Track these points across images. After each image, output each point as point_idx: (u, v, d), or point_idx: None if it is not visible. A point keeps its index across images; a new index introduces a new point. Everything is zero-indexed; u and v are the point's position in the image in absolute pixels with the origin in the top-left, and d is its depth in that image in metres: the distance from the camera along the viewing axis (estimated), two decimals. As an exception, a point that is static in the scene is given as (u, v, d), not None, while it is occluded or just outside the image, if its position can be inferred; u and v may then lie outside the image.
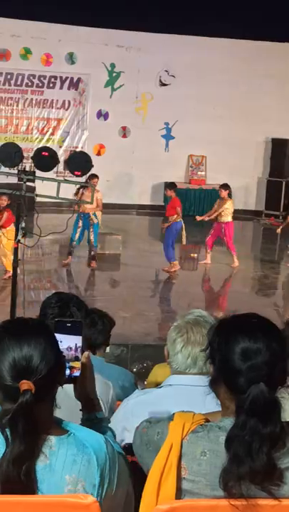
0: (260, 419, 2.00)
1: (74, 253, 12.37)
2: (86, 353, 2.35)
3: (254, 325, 2.15)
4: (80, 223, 12.14)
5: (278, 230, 13.64)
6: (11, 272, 10.94)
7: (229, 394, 2.12)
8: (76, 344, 2.35)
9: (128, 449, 3.03)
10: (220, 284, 12.28)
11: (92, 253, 12.34)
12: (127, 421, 3.06)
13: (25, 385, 2.00)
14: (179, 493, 2.07)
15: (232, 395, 2.10)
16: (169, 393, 2.95)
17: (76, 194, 11.61)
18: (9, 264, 10.99)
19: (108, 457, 2.10)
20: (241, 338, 2.09)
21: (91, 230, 12.21)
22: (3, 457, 1.94)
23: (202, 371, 2.90)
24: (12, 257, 10.89)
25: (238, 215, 18.24)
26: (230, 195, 13.24)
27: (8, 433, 1.98)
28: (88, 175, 10.95)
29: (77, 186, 11.35)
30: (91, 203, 10.22)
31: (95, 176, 11.87)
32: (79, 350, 2.34)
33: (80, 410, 2.40)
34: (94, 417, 2.44)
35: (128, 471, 2.30)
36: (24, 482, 1.95)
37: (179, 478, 2.07)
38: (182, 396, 2.81)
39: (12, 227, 11.12)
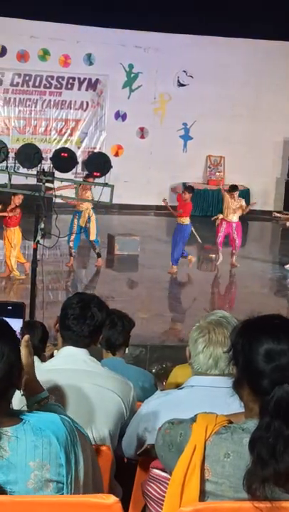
0: (285, 421, 1.99)
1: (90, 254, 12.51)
2: (26, 337, 2.34)
3: (277, 326, 2.14)
4: (76, 222, 12.21)
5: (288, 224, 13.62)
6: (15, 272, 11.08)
7: (253, 395, 2.11)
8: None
9: (150, 450, 3.04)
10: (237, 284, 12.25)
11: (96, 251, 12.42)
12: (148, 422, 3.06)
13: None
14: (202, 495, 2.07)
15: (256, 397, 2.09)
16: (191, 394, 2.94)
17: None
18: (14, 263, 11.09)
19: (67, 433, 2.11)
20: (265, 340, 2.08)
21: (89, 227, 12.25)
22: None
23: (223, 372, 2.89)
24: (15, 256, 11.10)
25: (257, 215, 18.30)
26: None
27: None
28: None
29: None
30: (109, 203, 10.19)
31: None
32: (19, 334, 2.33)
33: (22, 395, 2.38)
34: (39, 399, 2.46)
35: (89, 441, 2.31)
36: None
37: (203, 480, 2.06)
38: (204, 397, 2.80)
39: (18, 228, 11.22)
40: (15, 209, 11.06)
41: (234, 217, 12.81)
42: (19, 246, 11.23)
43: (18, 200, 10.94)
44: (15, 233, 11.15)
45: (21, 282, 10.90)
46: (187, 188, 12.95)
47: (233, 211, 12.79)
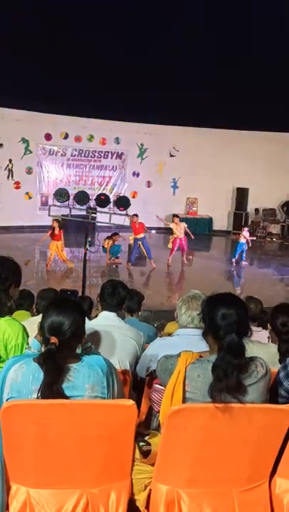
0: (233, 355, 1.99)
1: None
2: None
3: (229, 299, 2.14)
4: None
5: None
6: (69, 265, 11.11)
7: (214, 340, 2.11)
8: None
9: (153, 373, 3.03)
10: (205, 274, 12.20)
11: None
12: (152, 356, 3.06)
13: (53, 339, 2.00)
14: (184, 400, 2.07)
15: (216, 341, 2.09)
16: (178, 340, 2.95)
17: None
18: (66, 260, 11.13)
19: (108, 368, 2.10)
20: (221, 307, 2.08)
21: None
22: (42, 383, 1.95)
23: (197, 326, 2.89)
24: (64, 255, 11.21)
25: (217, 233, 18.25)
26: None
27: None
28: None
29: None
30: (129, 225, 10.15)
31: (116, 234, 12.05)
32: None
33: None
34: (86, 347, 2.49)
35: (117, 372, 2.30)
36: (56, 396, 1.95)
37: (184, 391, 2.07)
38: (185, 341, 2.80)
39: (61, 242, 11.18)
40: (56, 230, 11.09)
41: (181, 235, 12.53)
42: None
43: (55, 223, 10.86)
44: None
45: (75, 272, 10.89)
46: (133, 215, 12.19)
47: (179, 232, 12.53)
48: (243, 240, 12.81)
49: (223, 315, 2.06)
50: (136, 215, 12.23)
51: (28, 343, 2.47)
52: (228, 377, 1.97)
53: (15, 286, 2.52)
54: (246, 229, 13.25)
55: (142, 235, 12.10)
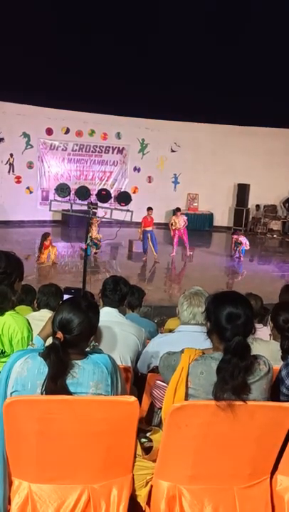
0: (240, 357, 1.98)
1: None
2: None
3: (235, 298, 2.12)
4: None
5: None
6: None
7: (219, 340, 2.10)
8: None
9: (154, 369, 3.02)
10: (206, 270, 12.19)
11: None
12: (154, 352, 3.06)
13: (58, 334, 2.02)
14: (187, 397, 2.07)
15: (221, 341, 2.08)
16: (179, 336, 2.95)
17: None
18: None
19: (112, 366, 2.11)
20: (227, 306, 2.07)
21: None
22: (46, 376, 1.96)
23: (198, 323, 2.89)
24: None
25: (217, 229, 18.23)
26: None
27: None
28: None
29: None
30: (130, 221, 10.10)
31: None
32: None
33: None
34: (92, 345, 2.51)
35: (121, 371, 2.30)
36: (60, 391, 1.95)
37: (187, 388, 2.07)
38: (187, 338, 2.79)
39: None
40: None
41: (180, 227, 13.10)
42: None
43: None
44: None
45: (75, 267, 10.86)
46: (149, 209, 12.93)
47: (180, 224, 13.08)
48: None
49: (230, 315, 2.04)
50: (151, 209, 12.84)
51: (32, 338, 2.48)
52: (234, 379, 1.96)
53: (19, 280, 2.53)
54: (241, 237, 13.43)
55: (150, 228, 12.58)
